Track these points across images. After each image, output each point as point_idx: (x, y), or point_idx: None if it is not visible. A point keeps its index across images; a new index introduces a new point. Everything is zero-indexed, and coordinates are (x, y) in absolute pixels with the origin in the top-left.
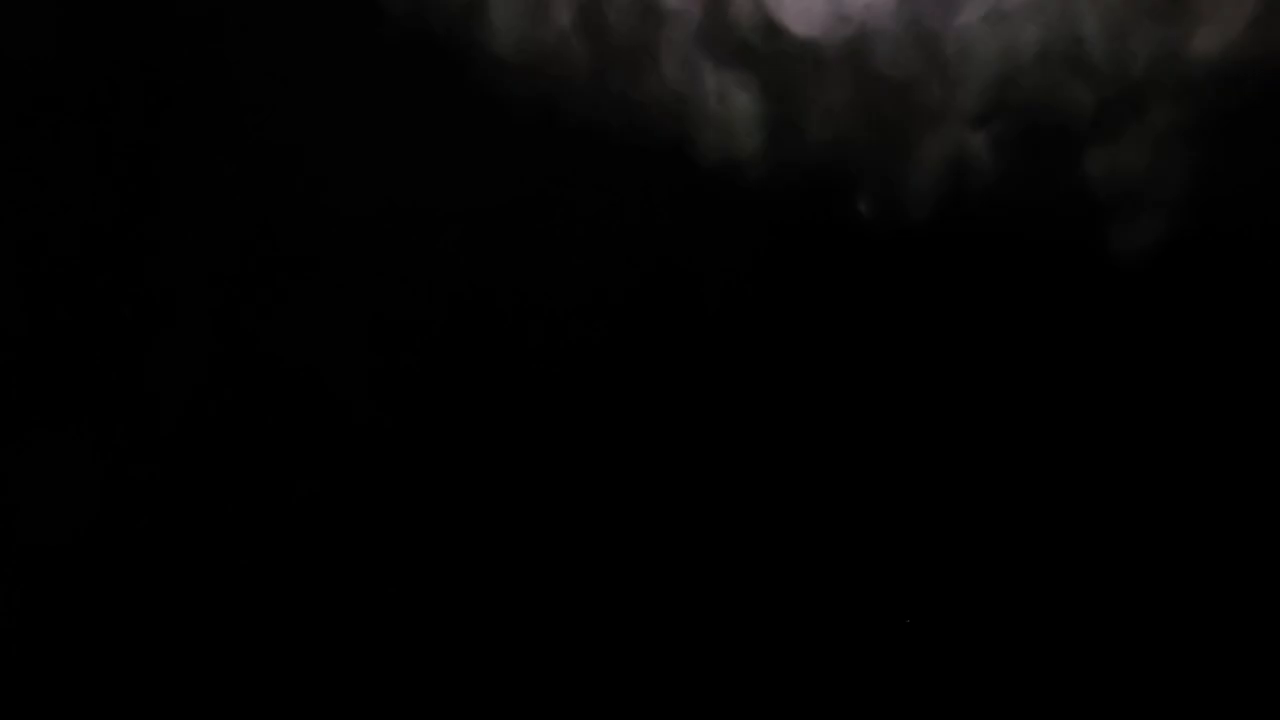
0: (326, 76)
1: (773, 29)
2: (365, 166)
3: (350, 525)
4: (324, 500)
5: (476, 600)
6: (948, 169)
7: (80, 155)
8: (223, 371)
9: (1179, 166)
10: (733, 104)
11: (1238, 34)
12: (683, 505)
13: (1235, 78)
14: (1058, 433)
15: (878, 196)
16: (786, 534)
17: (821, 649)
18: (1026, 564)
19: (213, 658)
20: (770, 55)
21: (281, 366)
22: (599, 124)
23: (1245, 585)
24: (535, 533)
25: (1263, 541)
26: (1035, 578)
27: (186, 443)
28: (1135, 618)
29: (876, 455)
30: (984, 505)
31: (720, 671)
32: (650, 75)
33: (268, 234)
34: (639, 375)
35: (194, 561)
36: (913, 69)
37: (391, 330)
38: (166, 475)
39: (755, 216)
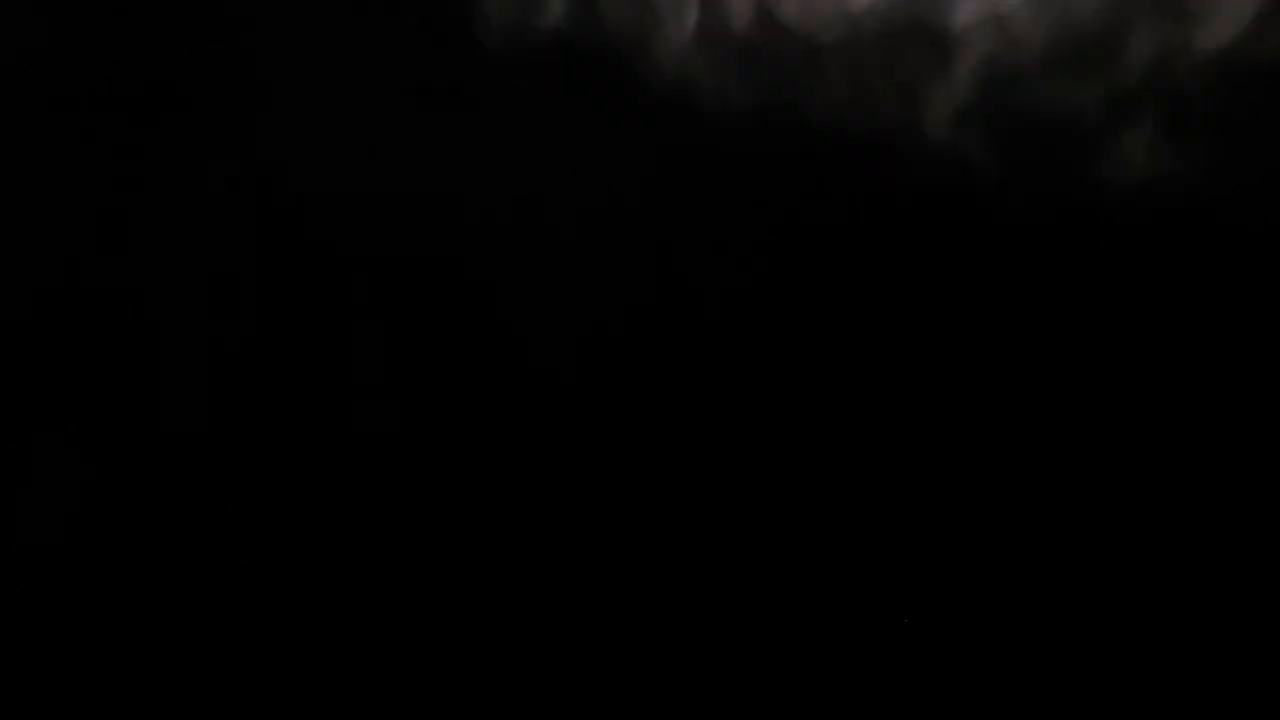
0: (324, 75)
1: (771, 23)
2: (360, 163)
3: (352, 527)
4: (325, 502)
5: (478, 603)
6: (947, 166)
7: (77, 154)
8: (222, 374)
9: (1182, 165)
10: (730, 98)
11: (1242, 31)
12: (682, 504)
13: (1239, 75)
14: (1057, 435)
15: (875, 192)
16: (776, 532)
17: (821, 648)
18: (1027, 563)
19: (211, 662)
20: (768, 50)
21: (282, 369)
22: (596, 117)
23: (1245, 584)
24: (543, 526)
25: (1260, 544)
26: (1036, 575)
27: (184, 444)
28: (1138, 610)
29: (866, 452)
30: (978, 505)
31: (721, 671)
32: (646, 69)
33: (265, 233)
34: (637, 368)
35: (192, 565)
36: (912, 65)
37: (393, 329)
38: (165, 477)
39: (752, 209)
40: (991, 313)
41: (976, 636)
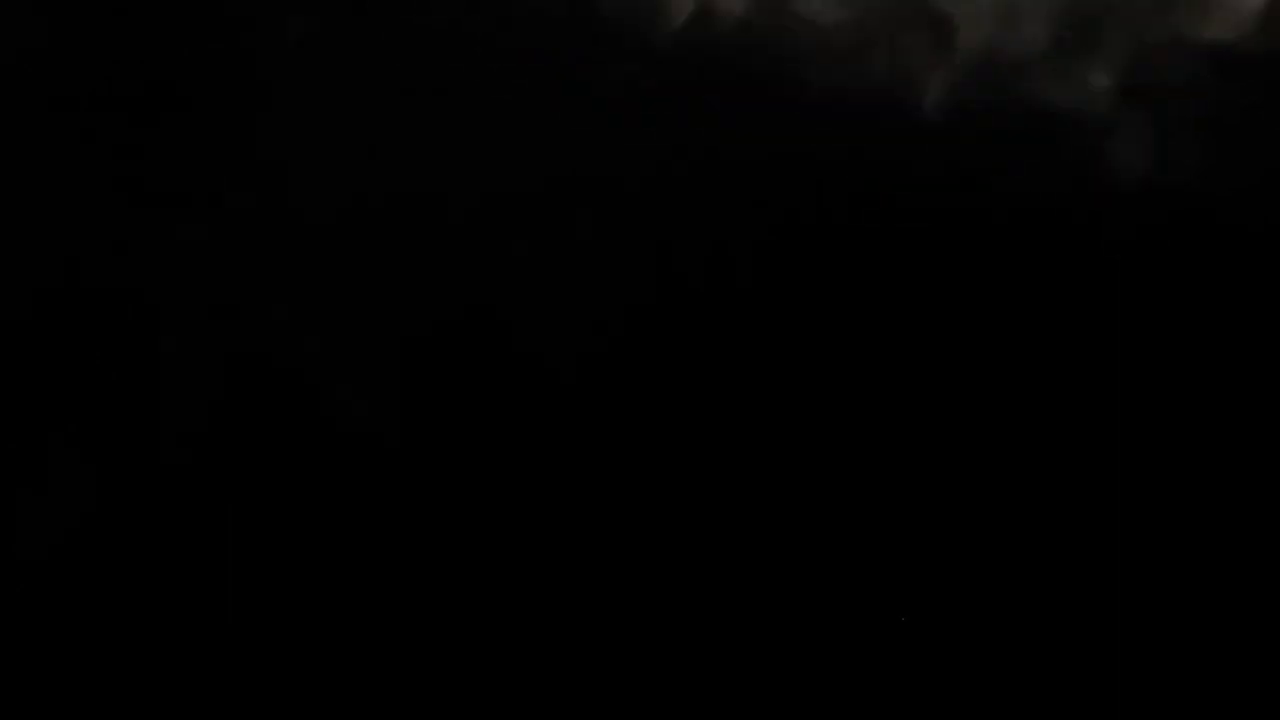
0: (324, 75)
1: (775, 11)
2: (360, 163)
3: (353, 527)
4: (326, 502)
5: (477, 603)
6: (954, 158)
7: (77, 154)
8: (224, 375)
9: (1188, 158)
10: (729, 85)
11: (1248, 25)
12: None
13: (1245, 69)
14: (1057, 431)
15: (880, 185)
16: (776, 529)
17: (819, 646)
18: (1026, 560)
19: (211, 664)
20: (773, 38)
21: (284, 370)
22: (596, 109)
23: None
24: (546, 525)
25: (1259, 542)
26: (1035, 572)
27: (185, 445)
28: (1140, 609)
29: (866, 448)
30: (977, 501)
31: (719, 671)
32: (648, 55)
33: (265, 232)
34: (637, 368)
35: (194, 567)
36: (918, 56)
37: (394, 328)
38: (166, 478)
39: (755, 205)
40: (990, 305)
41: (974, 634)
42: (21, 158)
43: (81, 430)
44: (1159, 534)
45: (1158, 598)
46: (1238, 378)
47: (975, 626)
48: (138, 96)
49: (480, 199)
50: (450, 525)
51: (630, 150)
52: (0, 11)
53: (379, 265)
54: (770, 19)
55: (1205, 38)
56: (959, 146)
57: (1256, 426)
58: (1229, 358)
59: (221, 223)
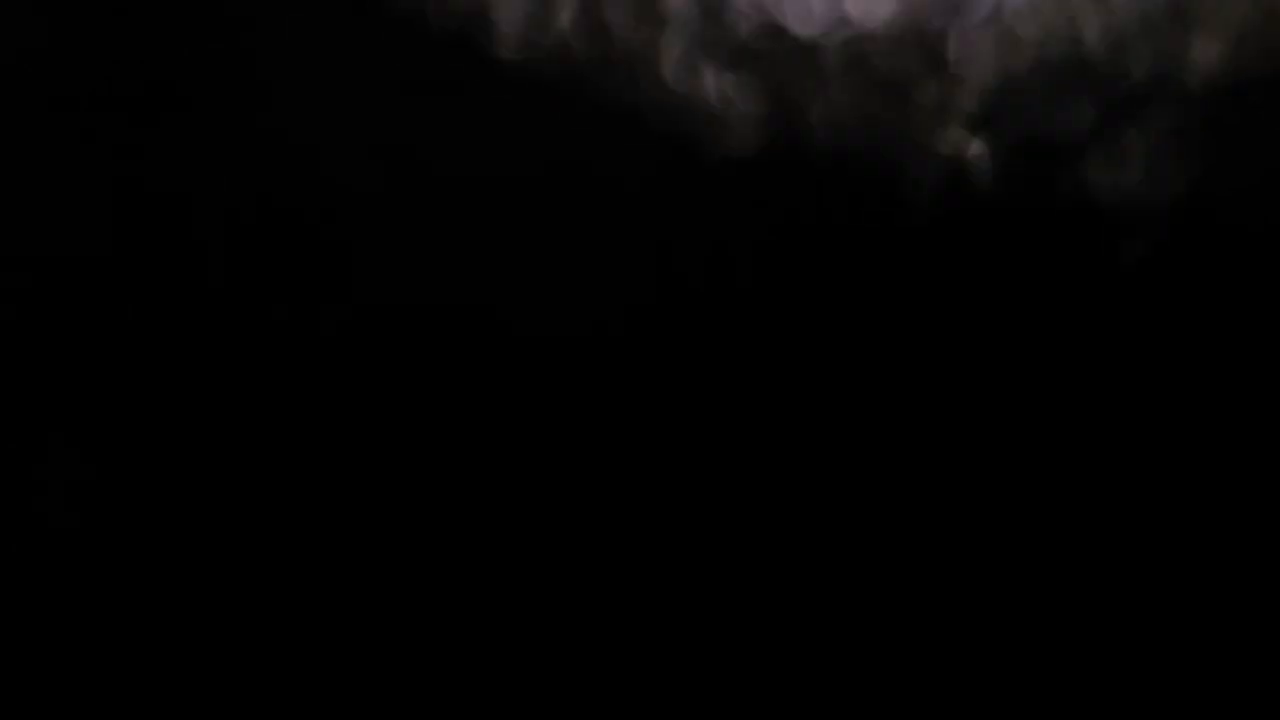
0: (324, 75)
1: (772, 29)
2: (361, 163)
3: (352, 529)
4: (323, 503)
5: (475, 606)
6: (946, 173)
7: (77, 154)
8: (224, 374)
9: (1178, 174)
10: (732, 105)
11: (1237, 41)
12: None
13: (1235, 85)
14: (1057, 442)
15: (875, 199)
16: (775, 533)
17: (819, 649)
18: (1030, 571)
19: (212, 665)
20: (770, 56)
21: (282, 368)
22: (598, 123)
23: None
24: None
25: (1260, 546)
26: (1037, 581)
27: (186, 446)
28: (1140, 616)
29: (865, 456)
30: (975, 511)
31: (720, 671)
32: (649, 76)
33: (266, 233)
34: (637, 369)
35: (195, 568)
36: (912, 71)
37: (394, 329)
38: (167, 479)
39: (752, 217)
40: (990, 306)
41: (975, 635)
42: (21, 158)
43: (81, 430)
44: (1159, 538)
45: (1159, 604)
46: (1238, 380)
47: (976, 627)
48: (138, 96)
49: (480, 198)
50: (447, 525)
51: (631, 151)
52: (0, 11)
53: (378, 265)
54: (770, 42)
55: (1197, 53)
56: (957, 155)
57: (1257, 429)
58: (1229, 360)
59: (222, 222)
